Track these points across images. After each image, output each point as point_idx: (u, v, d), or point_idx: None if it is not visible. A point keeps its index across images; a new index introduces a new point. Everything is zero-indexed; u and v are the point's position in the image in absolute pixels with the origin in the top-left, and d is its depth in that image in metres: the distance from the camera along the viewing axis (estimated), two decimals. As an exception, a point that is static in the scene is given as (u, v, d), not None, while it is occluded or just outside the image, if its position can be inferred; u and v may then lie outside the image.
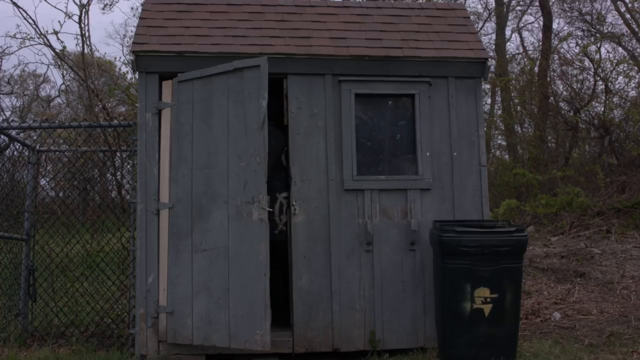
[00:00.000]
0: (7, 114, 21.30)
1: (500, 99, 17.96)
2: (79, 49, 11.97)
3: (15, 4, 11.66)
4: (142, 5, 6.09)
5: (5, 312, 5.94)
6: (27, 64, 31.10)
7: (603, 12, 17.32)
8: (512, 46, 22.00)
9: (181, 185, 5.09)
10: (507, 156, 16.69)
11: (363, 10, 6.04)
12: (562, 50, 16.12)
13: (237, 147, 4.90)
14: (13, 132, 6.17)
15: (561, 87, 15.08)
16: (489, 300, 4.76)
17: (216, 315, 4.88)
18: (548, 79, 14.95)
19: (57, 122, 6.13)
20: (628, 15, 16.12)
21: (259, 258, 4.81)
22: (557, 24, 18.73)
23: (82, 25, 11.53)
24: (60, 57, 12.13)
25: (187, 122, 5.14)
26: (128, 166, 7.22)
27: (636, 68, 14.10)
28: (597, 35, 16.10)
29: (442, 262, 4.82)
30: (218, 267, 4.92)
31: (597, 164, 12.54)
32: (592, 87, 14.42)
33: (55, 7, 22.00)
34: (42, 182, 6.96)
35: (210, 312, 4.90)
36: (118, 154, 7.41)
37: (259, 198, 4.76)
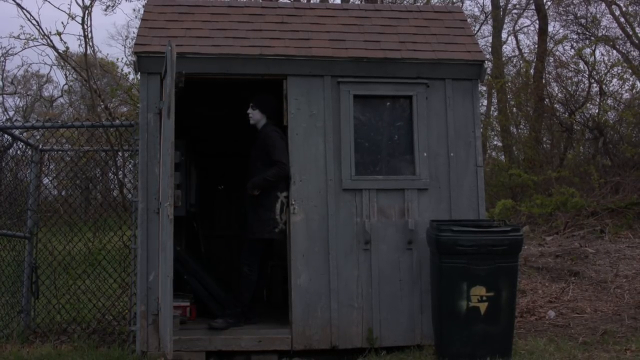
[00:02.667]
0: (11, 113, 21.37)
1: (496, 101, 18.04)
2: (82, 49, 12.06)
3: (19, 5, 11.73)
4: (144, 7, 6.13)
5: (8, 309, 5.95)
6: (30, 64, 31.13)
7: (598, 16, 17.39)
8: (508, 49, 22.14)
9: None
10: (503, 157, 16.77)
11: (362, 13, 6.07)
12: (557, 53, 16.23)
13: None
14: (16, 132, 6.20)
15: (556, 89, 15.17)
16: (485, 298, 4.79)
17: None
18: (543, 81, 15.02)
19: (59, 121, 6.19)
20: (622, 19, 16.20)
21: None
22: (553, 27, 18.89)
23: (85, 27, 11.60)
24: (63, 57, 12.19)
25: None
26: (130, 165, 7.27)
27: (630, 71, 14.17)
28: (592, 38, 16.17)
29: (439, 261, 4.85)
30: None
31: (591, 165, 12.58)
32: (586, 89, 14.50)
33: (58, 8, 21.97)
34: (45, 180, 6.98)
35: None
36: (120, 153, 7.46)
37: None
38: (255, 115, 5.62)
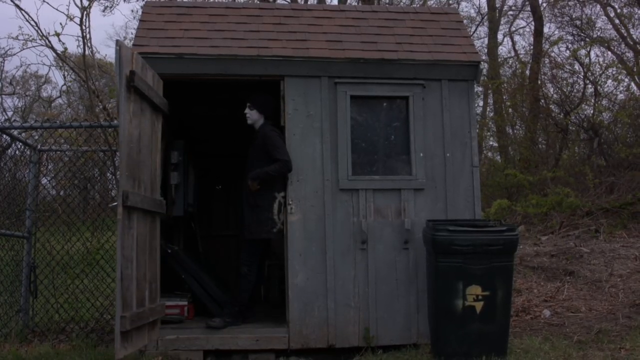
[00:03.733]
0: (9, 114, 21.30)
1: (492, 102, 18.08)
2: (80, 50, 11.99)
3: (17, 6, 11.68)
4: (142, 8, 6.15)
5: (7, 309, 5.97)
6: (29, 65, 30.93)
7: (593, 17, 17.49)
8: (504, 50, 22.13)
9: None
10: (498, 157, 16.80)
11: (359, 14, 6.10)
12: (552, 54, 16.26)
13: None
14: (15, 132, 6.23)
15: (552, 90, 15.20)
16: (480, 297, 4.81)
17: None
18: (539, 82, 15.05)
19: (58, 122, 6.22)
20: (617, 21, 16.29)
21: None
22: (548, 28, 18.89)
23: (83, 27, 11.54)
24: (62, 58, 12.16)
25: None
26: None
27: (625, 72, 14.23)
28: (587, 39, 16.24)
29: (435, 261, 4.87)
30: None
31: (586, 165, 12.62)
32: (581, 90, 14.54)
33: (56, 9, 21.90)
34: (44, 181, 7.00)
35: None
36: (118, 153, 7.47)
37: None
38: (253, 116, 5.62)
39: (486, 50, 19.08)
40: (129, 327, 4.21)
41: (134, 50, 4.74)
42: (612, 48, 16.11)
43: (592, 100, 14.26)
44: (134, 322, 4.32)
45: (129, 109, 4.42)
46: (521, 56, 19.82)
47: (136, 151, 4.56)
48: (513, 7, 21.18)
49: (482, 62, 5.84)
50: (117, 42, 4.44)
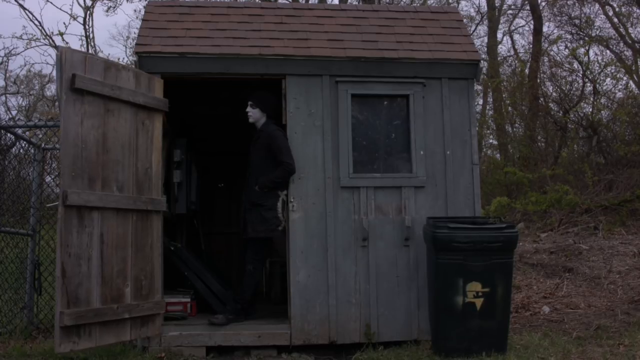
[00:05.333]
0: (14, 113, 21.31)
1: (492, 100, 18.12)
2: (84, 50, 12.04)
3: (21, 6, 11.80)
4: (145, 7, 6.17)
5: (12, 306, 6.01)
6: (32, 64, 30.94)
7: (592, 16, 17.50)
8: (503, 49, 22.15)
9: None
10: (498, 155, 16.85)
11: (359, 13, 6.11)
12: (551, 53, 16.34)
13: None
14: (19, 131, 6.26)
15: (551, 88, 15.27)
16: (480, 294, 4.83)
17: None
18: (538, 81, 15.11)
19: (61, 120, 6.22)
20: (615, 19, 16.33)
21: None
22: (547, 27, 18.92)
23: (87, 27, 11.61)
24: (66, 57, 12.17)
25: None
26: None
27: (623, 70, 14.29)
28: (586, 38, 16.27)
29: (436, 258, 4.89)
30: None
31: (585, 163, 12.68)
32: (580, 88, 14.60)
33: (60, 9, 21.99)
34: (47, 179, 7.04)
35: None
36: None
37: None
38: (255, 114, 5.64)
39: (486, 49, 19.12)
40: (69, 322, 4.24)
41: (88, 54, 4.76)
42: (611, 47, 16.16)
43: (591, 99, 14.32)
44: (82, 318, 4.35)
45: (74, 111, 4.44)
46: (520, 55, 19.89)
47: (95, 151, 4.57)
48: (512, 6, 21.24)
49: (481, 61, 5.87)
50: (58, 48, 4.51)
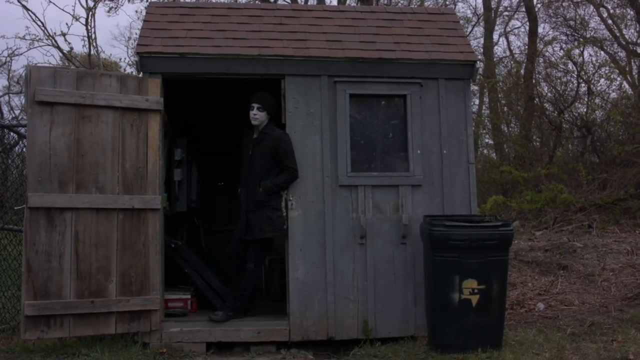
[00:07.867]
0: (17, 112, 21.30)
1: (488, 100, 18.21)
2: (86, 50, 12.09)
3: (24, 6, 11.76)
4: (146, 8, 6.20)
5: (15, 302, 6.05)
6: (36, 64, 30.84)
7: (586, 18, 17.63)
8: (499, 49, 22.34)
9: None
10: (494, 154, 16.95)
11: (357, 15, 6.15)
12: (547, 54, 16.36)
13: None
14: (22, 130, 6.30)
15: (546, 88, 15.31)
16: (476, 291, 4.87)
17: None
18: (533, 81, 15.14)
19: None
20: (610, 21, 16.41)
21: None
22: (543, 28, 19.00)
23: (89, 28, 11.62)
24: (68, 58, 12.24)
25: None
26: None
27: (617, 71, 14.37)
28: (581, 39, 16.37)
29: (432, 255, 4.93)
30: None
31: (579, 162, 12.74)
32: (575, 89, 14.65)
33: (63, 9, 21.82)
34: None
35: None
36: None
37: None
38: (262, 117, 5.59)
39: (482, 49, 19.24)
40: (30, 313, 4.67)
41: (57, 68, 5.09)
42: (605, 48, 16.21)
43: (586, 99, 14.39)
44: (48, 309, 4.70)
45: (41, 121, 4.81)
46: (516, 56, 20.01)
47: (68, 156, 4.85)
48: (508, 8, 21.41)
49: (478, 62, 5.91)
50: (27, 67, 4.94)
